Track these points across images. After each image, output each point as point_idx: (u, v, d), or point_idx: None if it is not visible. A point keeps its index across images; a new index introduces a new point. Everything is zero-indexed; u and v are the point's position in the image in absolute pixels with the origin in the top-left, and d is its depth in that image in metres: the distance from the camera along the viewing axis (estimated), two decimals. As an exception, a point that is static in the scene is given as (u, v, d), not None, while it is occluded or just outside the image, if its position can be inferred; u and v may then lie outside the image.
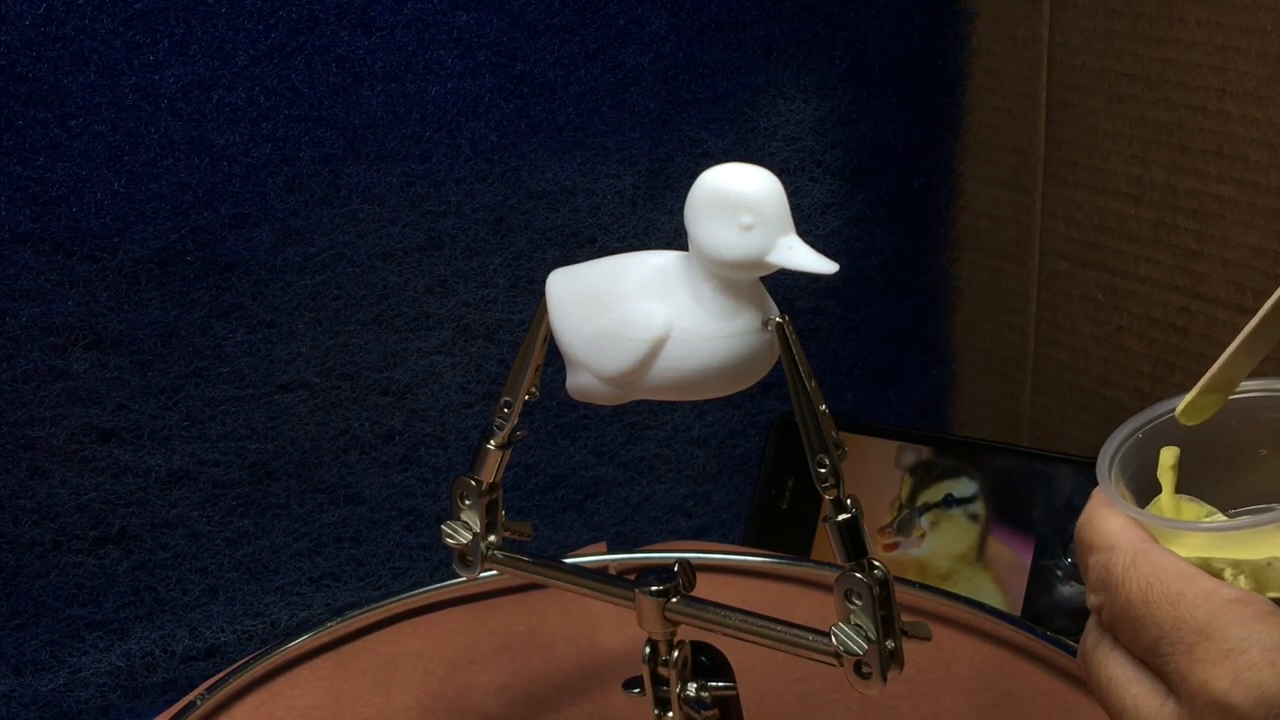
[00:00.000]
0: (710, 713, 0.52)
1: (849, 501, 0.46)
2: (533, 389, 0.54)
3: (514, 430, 0.55)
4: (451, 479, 0.77)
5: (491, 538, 0.57)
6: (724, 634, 0.51)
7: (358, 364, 0.73)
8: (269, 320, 0.70)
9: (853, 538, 0.46)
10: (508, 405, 0.55)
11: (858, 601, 0.46)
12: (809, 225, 0.81)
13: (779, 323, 0.47)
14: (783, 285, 0.86)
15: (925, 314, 0.92)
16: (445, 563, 0.77)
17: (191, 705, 0.65)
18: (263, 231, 0.69)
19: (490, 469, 0.56)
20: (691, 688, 0.52)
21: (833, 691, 0.65)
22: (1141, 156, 0.75)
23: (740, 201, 0.45)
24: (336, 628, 0.72)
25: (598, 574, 0.56)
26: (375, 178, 0.71)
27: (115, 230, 0.65)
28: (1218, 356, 0.42)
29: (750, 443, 0.86)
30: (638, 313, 0.48)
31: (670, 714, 0.53)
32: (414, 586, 0.75)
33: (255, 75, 0.67)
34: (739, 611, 0.50)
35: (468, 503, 0.57)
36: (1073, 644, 0.67)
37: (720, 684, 0.52)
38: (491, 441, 0.55)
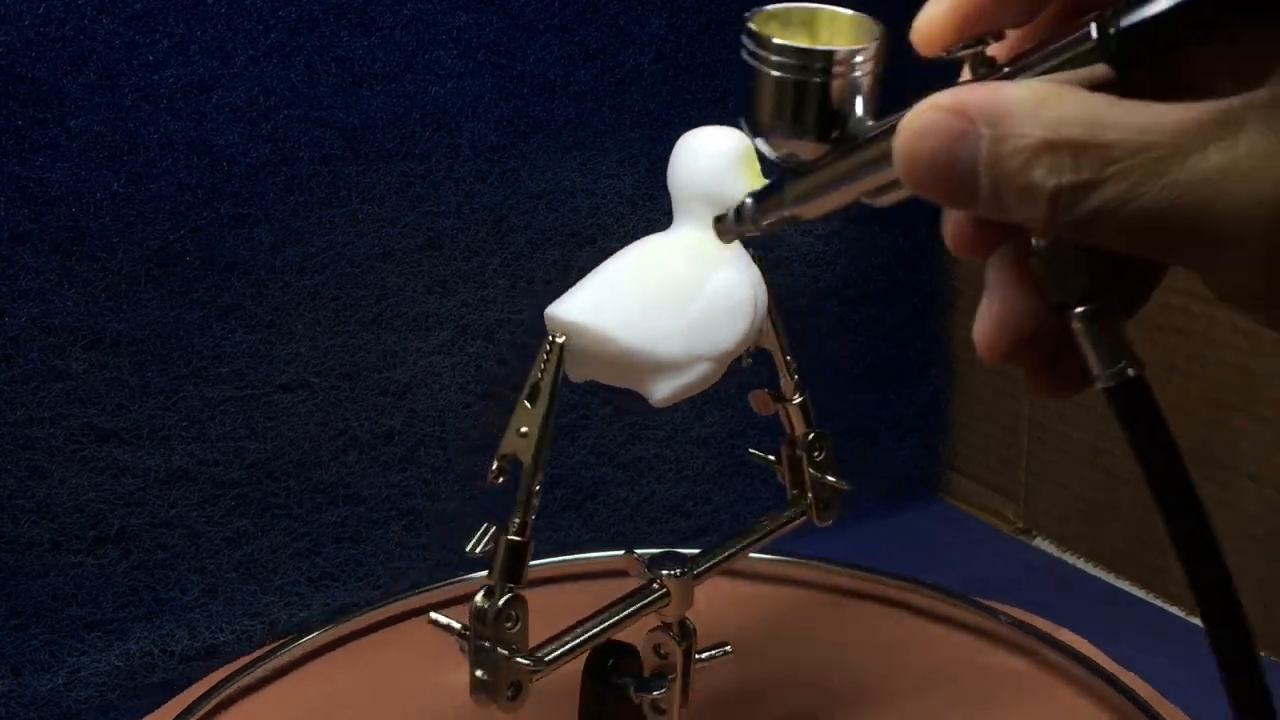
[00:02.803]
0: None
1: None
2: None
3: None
4: (451, 479, 0.77)
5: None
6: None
7: (357, 364, 0.73)
8: (268, 320, 0.70)
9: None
10: (540, 483, 0.52)
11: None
12: (809, 225, 0.81)
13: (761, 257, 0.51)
14: (782, 286, 0.86)
15: (925, 314, 0.92)
16: (445, 563, 0.77)
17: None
18: (262, 231, 0.69)
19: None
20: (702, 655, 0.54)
21: (848, 690, 0.65)
22: (1141, 157, 0.75)
23: (751, 151, 0.48)
24: (336, 628, 0.72)
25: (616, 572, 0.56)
26: (375, 178, 0.71)
27: (115, 230, 0.65)
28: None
29: (750, 443, 0.85)
30: (721, 283, 0.50)
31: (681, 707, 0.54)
32: (414, 586, 0.75)
33: (255, 75, 0.67)
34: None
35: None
36: (1046, 631, 0.67)
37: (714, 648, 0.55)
38: (514, 533, 0.51)
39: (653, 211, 0.77)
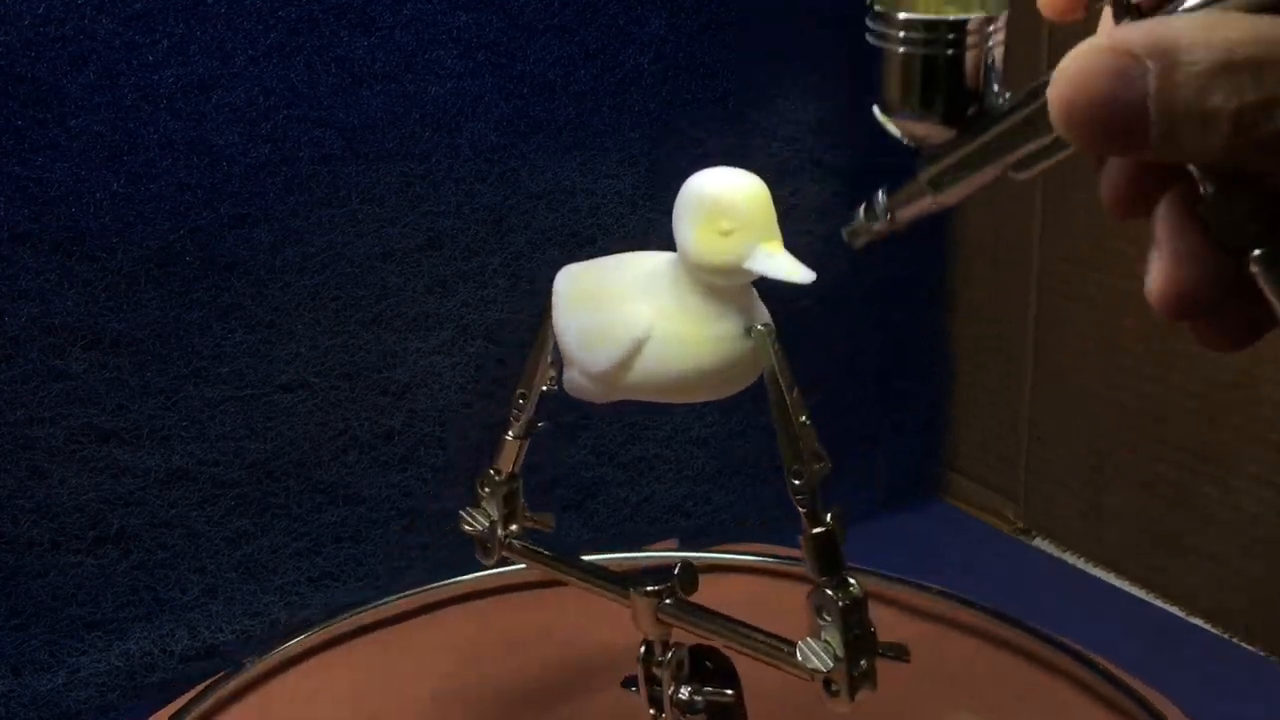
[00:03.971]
0: (699, 716, 0.52)
1: (827, 516, 0.46)
2: (549, 380, 0.54)
3: (532, 422, 0.56)
4: (451, 479, 0.77)
5: (512, 527, 0.57)
6: (705, 639, 0.51)
7: (357, 364, 0.73)
8: (268, 320, 0.70)
9: (826, 552, 0.45)
10: (522, 396, 0.55)
11: (828, 618, 0.45)
12: (809, 225, 0.81)
13: (761, 330, 0.47)
14: (782, 286, 0.86)
15: (925, 314, 0.92)
16: (445, 563, 0.77)
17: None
18: (262, 231, 0.69)
19: (508, 459, 0.57)
20: (685, 690, 0.52)
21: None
22: (1141, 157, 0.75)
23: (720, 206, 0.46)
24: (336, 627, 0.72)
25: (604, 572, 0.55)
26: (375, 178, 0.71)
27: (114, 230, 0.65)
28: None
29: (750, 443, 0.86)
30: (622, 312, 0.48)
31: (664, 715, 0.53)
32: (413, 586, 0.75)
33: (255, 75, 0.67)
34: (724, 618, 0.50)
35: (487, 491, 0.57)
36: (1070, 644, 0.67)
37: (716, 689, 0.52)
38: (509, 432, 0.56)
39: (653, 211, 0.77)
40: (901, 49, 0.33)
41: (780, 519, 0.85)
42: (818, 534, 0.45)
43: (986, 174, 0.34)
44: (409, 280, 0.73)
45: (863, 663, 0.45)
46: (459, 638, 0.73)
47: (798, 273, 0.46)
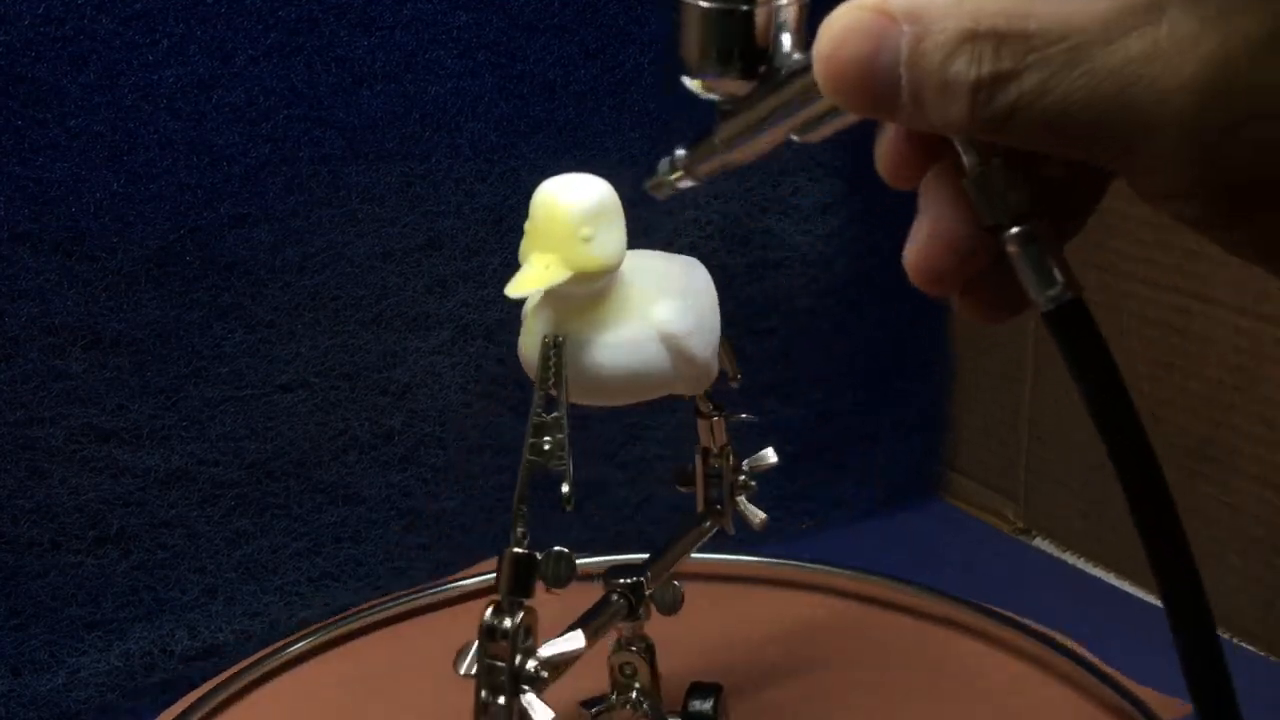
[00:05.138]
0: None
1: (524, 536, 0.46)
2: None
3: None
4: (451, 479, 0.77)
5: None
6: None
7: (357, 364, 0.73)
8: (268, 320, 0.70)
9: (514, 573, 0.46)
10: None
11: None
12: (809, 225, 0.81)
13: (544, 340, 0.47)
14: (783, 285, 0.86)
15: (925, 314, 0.92)
16: (445, 563, 0.77)
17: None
18: (262, 231, 0.69)
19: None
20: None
21: (848, 693, 0.65)
22: (1141, 157, 0.75)
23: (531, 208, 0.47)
24: (335, 628, 0.72)
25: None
26: (375, 178, 0.71)
27: (114, 230, 0.65)
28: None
29: (751, 443, 0.85)
30: (544, 310, 0.49)
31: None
32: (413, 586, 0.75)
33: (255, 75, 0.67)
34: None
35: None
36: (1061, 640, 0.67)
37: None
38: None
39: (652, 212, 0.77)
40: (702, 3, 0.35)
41: (781, 519, 0.85)
42: (516, 554, 0.46)
43: (774, 134, 0.34)
44: (409, 280, 0.73)
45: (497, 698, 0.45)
46: (458, 638, 0.72)
47: (510, 288, 0.46)
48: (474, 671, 0.45)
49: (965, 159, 0.30)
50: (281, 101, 0.68)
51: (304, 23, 0.68)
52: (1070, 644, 0.67)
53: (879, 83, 0.28)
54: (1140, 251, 0.76)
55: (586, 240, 0.46)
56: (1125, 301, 0.78)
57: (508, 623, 0.45)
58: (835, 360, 0.88)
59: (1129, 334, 0.79)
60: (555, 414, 0.46)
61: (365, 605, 0.74)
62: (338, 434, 0.74)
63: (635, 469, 0.82)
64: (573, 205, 0.46)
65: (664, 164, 0.38)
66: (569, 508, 0.45)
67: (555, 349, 0.47)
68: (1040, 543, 0.88)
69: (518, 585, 0.46)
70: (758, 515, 0.61)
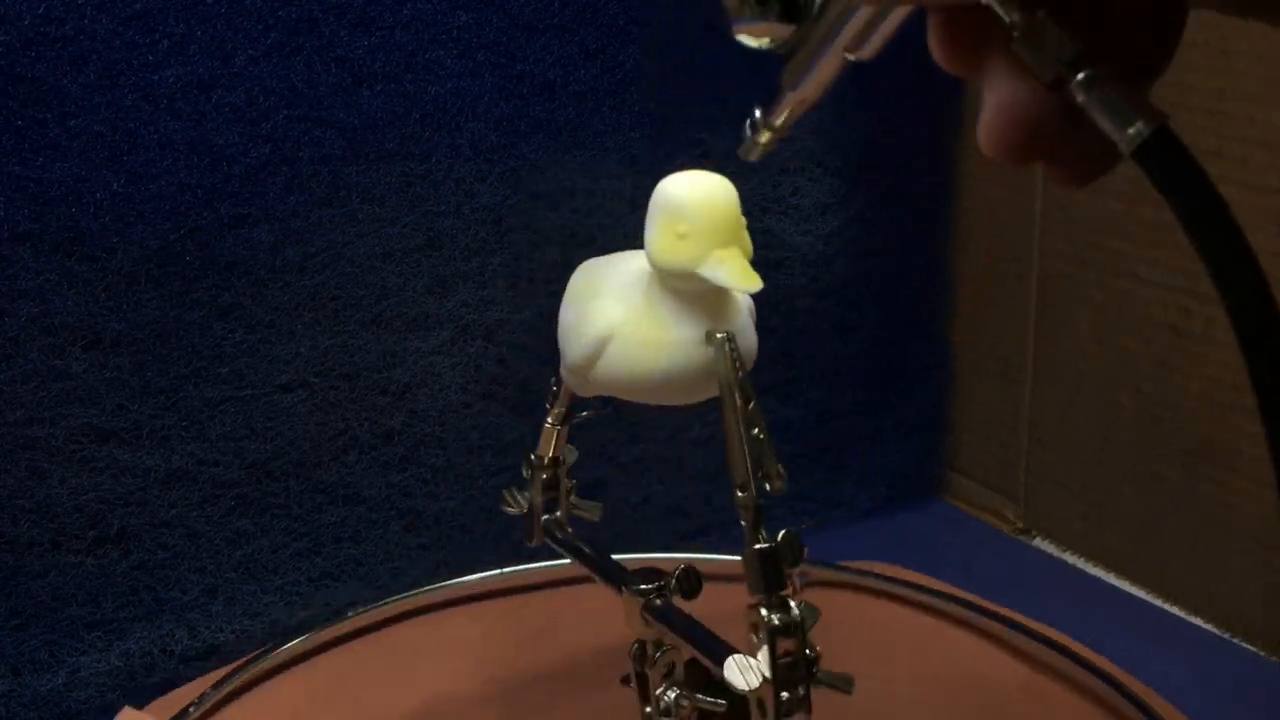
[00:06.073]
0: None
1: (778, 535, 0.45)
2: None
3: (569, 412, 0.57)
4: (451, 479, 0.77)
5: (558, 514, 0.59)
6: (676, 644, 0.50)
7: (357, 364, 0.73)
8: (268, 320, 0.70)
9: (764, 570, 0.44)
10: (555, 385, 0.56)
11: (760, 638, 0.44)
12: (809, 225, 0.81)
13: (719, 337, 0.46)
14: (783, 285, 0.86)
15: (925, 314, 0.92)
16: (445, 563, 0.77)
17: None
18: (262, 231, 0.69)
19: (546, 444, 0.58)
20: (671, 694, 0.51)
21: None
22: (1141, 157, 0.75)
23: (678, 209, 0.46)
24: (336, 627, 0.72)
25: (611, 567, 0.55)
26: (375, 178, 0.71)
27: (114, 230, 0.65)
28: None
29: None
30: (591, 309, 0.49)
31: (650, 711, 0.53)
32: (413, 586, 0.75)
33: (255, 75, 0.67)
34: (695, 624, 0.49)
35: (527, 475, 0.58)
36: (1060, 640, 0.67)
37: (710, 699, 0.51)
38: (548, 418, 0.57)
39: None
40: None
41: (781, 519, 0.85)
42: (758, 549, 0.44)
43: (831, 60, 0.34)
44: (409, 280, 0.73)
45: (799, 689, 0.43)
46: (459, 638, 0.73)
47: (744, 281, 0.45)
48: (767, 676, 0.43)
49: (1007, 19, 0.30)
50: (281, 101, 0.68)
51: (304, 23, 0.68)
52: (1071, 644, 0.67)
53: None
54: (1140, 251, 0.76)
55: (745, 228, 0.46)
56: (1125, 301, 0.78)
57: (792, 614, 0.43)
58: (835, 360, 0.88)
59: (1129, 334, 0.79)
60: (752, 403, 0.45)
61: (365, 605, 0.74)
62: (338, 434, 0.74)
63: (635, 469, 0.82)
64: (735, 197, 0.46)
65: (747, 125, 0.38)
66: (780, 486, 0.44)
67: (731, 342, 0.46)
68: (1040, 543, 0.88)
69: (775, 580, 0.44)
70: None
